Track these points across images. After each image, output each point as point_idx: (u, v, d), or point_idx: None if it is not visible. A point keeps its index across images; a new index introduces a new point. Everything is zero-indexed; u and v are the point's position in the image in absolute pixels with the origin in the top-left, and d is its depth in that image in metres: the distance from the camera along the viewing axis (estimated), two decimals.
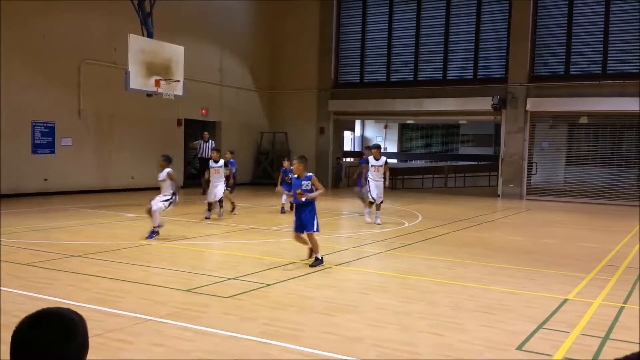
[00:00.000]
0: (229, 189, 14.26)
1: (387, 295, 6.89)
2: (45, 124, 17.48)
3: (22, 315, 1.68)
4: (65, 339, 1.62)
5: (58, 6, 17.27)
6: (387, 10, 24.33)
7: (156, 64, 14.42)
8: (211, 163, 13.44)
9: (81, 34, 17.90)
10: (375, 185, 13.06)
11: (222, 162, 13.42)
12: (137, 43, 14.08)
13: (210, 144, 19.69)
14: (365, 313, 6.10)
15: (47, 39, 17.06)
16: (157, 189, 12.94)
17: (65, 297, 6.29)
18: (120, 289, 6.81)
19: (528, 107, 21.32)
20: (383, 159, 13.31)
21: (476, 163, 30.28)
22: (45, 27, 16.99)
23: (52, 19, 17.17)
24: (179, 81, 15.08)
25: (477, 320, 5.97)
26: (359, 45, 24.93)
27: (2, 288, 6.59)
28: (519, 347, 5.09)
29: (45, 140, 17.50)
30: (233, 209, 14.41)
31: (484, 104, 21.56)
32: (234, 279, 7.44)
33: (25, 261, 8.11)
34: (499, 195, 21.80)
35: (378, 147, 13.70)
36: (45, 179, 17.53)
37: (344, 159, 28.27)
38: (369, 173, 13.18)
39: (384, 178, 13.19)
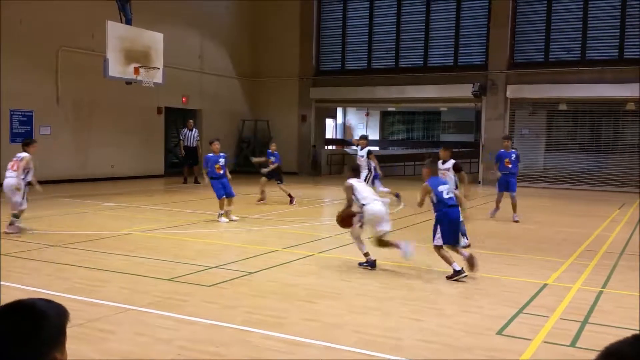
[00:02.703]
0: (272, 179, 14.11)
1: (369, 282, 6.94)
2: (23, 112, 17.19)
3: None
4: (30, 331, 1.58)
5: None
6: None
7: (135, 51, 14.23)
8: (213, 157, 11.61)
9: (59, 20, 17.57)
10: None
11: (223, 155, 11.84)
12: (115, 30, 13.88)
13: (195, 132, 19.55)
14: (346, 300, 6.14)
15: (25, 25, 16.72)
16: (137, 178, 12.92)
17: (44, 287, 6.24)
18: (100, 279, 6.77)
19: (508, 93, 21.48)
20: (366, 149, 13.59)
21: (457, 150, 30.48)
22: (22, 13, 16.64)
23: (30, 5, 16.81)
24: (158, 69, 14.91)
25: (457, 305, 6.05)
26: (340, 32, 24.85)
27: None
28: (499, 332, 5.17)
29: (23, 129, 17.22)
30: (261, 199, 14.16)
31: (465, 90, 21.67)
32: (216, 267, 7.44)
33: (3, 251, 8.00)
34: (479, 182, 21.98)
35: (362, 137, 14.53)
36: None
37: (326, 147, 28.24)
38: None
39: (369, 169, 13.36)
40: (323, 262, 8.10)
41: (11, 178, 9.47)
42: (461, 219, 7.48)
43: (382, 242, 7.48)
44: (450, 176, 9.44)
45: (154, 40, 14.95)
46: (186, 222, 11.28)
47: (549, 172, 21.81)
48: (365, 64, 24.47)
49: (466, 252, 7.27)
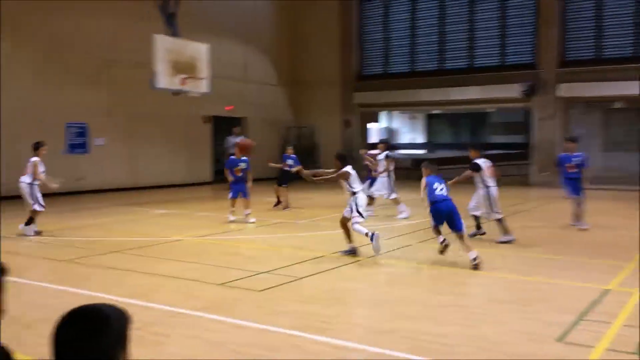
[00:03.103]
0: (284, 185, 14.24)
1: (416, 287, 6.86)
2: (78, 125, 17.83)
3: (63, 310, 1.73)
4: (96, 335, 1.66)
5: (87, 10, 17.54)
6: None
7: (182, 63, 14.55)
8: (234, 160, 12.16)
9: (109, 35, 18.17)
10: (378, 180, 13.27)
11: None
12: (162, 43, 14.22)
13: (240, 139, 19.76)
14: (396, 305, 6.08)
15: (77, 42, 17.36)
16: (187, 185, 13.27)
17: (102, 291, 6.43)
18: (155, 283, 6.93)
19: (559, 93, 20.90)
20: (384, 153, 13.51)
21: (506, 152, 29.81)
22: (75, 30, 17.28)
23: (82, 22, 17.46)
24: (204, 79, 15.19)
25: (513, 311, 5.88)
26: (382, 36, 24.74)
27: (42, 284, 6.76)
28: (559, 339, 4.98)
29: (79, 141, 17.87)
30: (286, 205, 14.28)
31: (513, 91, 21.21)
32: (265, 272, 7.50)
33: (64, 258, 8.30)
34: (531, 184, 21.45)
35: (381, 141, 14.09)
36: (81, 178, 17.88)
37: (369, 152, 28.09)
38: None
39: (388, 172, 13.37)
40: (371, 267, 8.05)
41: (22, 182, 10.25)
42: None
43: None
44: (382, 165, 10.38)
45: (200, 51, 15.25)
46: (235, 229, 11.42)
47: (605, 172, 21.06)
48: (409, 67, 24.28)
49: (472, 251, 7.81)
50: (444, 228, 8.12)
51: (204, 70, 15.22)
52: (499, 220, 9.86)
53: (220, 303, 6.08)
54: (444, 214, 8.07)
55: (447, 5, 23.33)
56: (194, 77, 14.87)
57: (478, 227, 10.28)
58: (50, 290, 6.58)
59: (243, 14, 23.16)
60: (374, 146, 29.95)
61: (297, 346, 4.84)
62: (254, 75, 23.89)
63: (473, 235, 9.97)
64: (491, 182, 10.05)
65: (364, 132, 26.43)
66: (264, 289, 6.63)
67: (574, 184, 11.11)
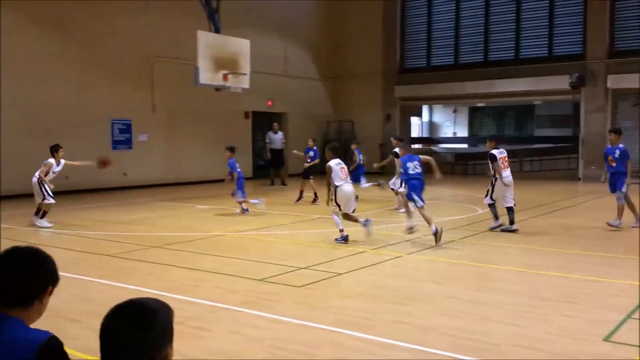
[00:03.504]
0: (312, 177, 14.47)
1: (461, 284, 6.72)
2: (122, 122, 18.24)
3: (107, 304, 1.76)
4: (144, 329, 1.70)
5: (131, 7, 17.89)
6: None
7: (223, 59, 14.67)
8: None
9: (153, 32, 18.48)
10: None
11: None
12: (205, 39, 14.37)
13: (280, 135, 19.88)
14: (437, 302, 5.97)
15: (122, 40, 17.73)
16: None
17: (145, 285, 6.53)
18: (196, 278, 7.01)
19: (609, 84, 20.19)
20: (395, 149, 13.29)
21: (554, 145, 29.01)
22: (119, 27, 17.66)
23: (126, 19, 17.81)
24: (245, 74, 15.28)
25: (558, 309, 5.71)
26: (425, 28, 24.38)
27: (87, 278, 6.93)
28: (606, 338, 4.82)
29: (123, 137, 18.27)
30: (315, 199, 14.41)
31: (561, 82, 20.59)
32: (304, 268, 7.49)
33: (108, 252, 8.49)
34: (579, 179, 20.83)
35: (396, 138, 13.74)
36: (125, 174, 18.29)
37: (412, 146, 27.79)
38: None
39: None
40: (412, 263, 7.95)
41: (34, 178, 10.87)
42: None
43: (347, 216, 9.33)
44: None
45: (241, 46, 15.34)
46: (274, 224, 11.47)
47: None
48: (452, 59, 23.86)
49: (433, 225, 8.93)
50: (447, 224, 7.94)
51: (245, 65, 15.32)
52: (509, 209, 10.17)
53: (260, 298, 6.10)
54: (416, 187, 9.22)
55: None
56: (236, 73, 14.97)
57: (511, 221, 10.28)
58: (94, 284, 6.73)
59: (284, 8, 23.20)
60: (415, 141, 29.71)
61: (337, 342, 4.81)
62: (294, 70, 23.92)
63: (510, 226, 10.15)
64: (505, 173, 10.34)
65: (405, 126, 26.15)
66: (304, 285, 6.62)
67: (616, 179, 10.48)
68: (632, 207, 10.54)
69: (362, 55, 25.12)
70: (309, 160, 15.03)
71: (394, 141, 13.55)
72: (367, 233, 9.19)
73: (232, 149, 12.78)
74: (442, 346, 4.65)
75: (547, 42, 21.83)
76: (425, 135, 33.57)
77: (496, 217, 10.32)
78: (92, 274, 7.16)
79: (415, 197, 9.14)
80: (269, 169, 20.46)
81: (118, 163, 18.05)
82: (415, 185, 9.23)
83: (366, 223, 9.16)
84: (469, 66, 23.22)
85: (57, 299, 2.08)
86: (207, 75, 14.25)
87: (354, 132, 24.85)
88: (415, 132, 31.14)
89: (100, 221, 11.68)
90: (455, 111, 35.01)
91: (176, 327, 1.81)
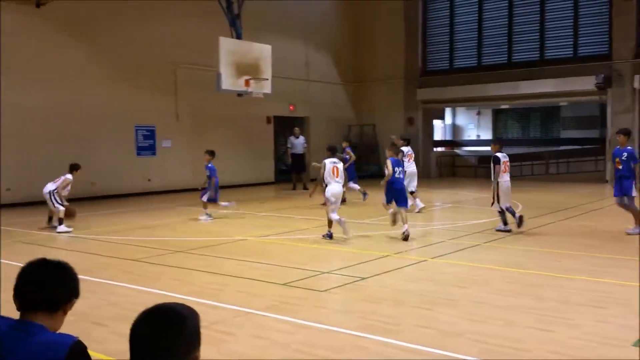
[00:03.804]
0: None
1: (487, 289, 6.62)
2: (147, 128, 18.44)
3: (133, 308, 1.76)
4: (173, 334, 1.72)
5: (154, 15, 18.11)
6: None
7: (245, 64, 14.73)
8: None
9: (175, 39, 18.65)
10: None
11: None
12: (227, 45, 14.44)
13: (301, 139, 19.89)
14: (464, 307, 5.88)
15: (146, 47, 17.95)
16: (250, 185, 13.47)
17: (170, 290, 6.56)
18: (220, 282, 7.02)
19: (635, 84, 19.78)
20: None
21: (580, 147, 28.55)
22: (143, 35, 17.88)
23: (150, 27, 18.03)
24: (267, 79, 15.33)
25: (588, 314, 5.59)
26: (447, 30, 24.20)
27: (113, 282, 6.99)
28: (636, 344, 4.69)
29: (147, 143, 18.47)
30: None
31: (587, 83, 20.26)
32: (327, 272, 7.45)
33: (133, 257, 8.56)
34: (607, 181, 20.44)
35: (401, 137, 14.25)
36: (149, 180, 18.48)
37: (435, 149, 27.60)
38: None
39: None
40: (437, 267, 7.86)
41: (45, 190, 11.18)
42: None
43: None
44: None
45: (263, 52, 15.39)
46: (297, 228, 11.45)
47: None
48: (475, 61, 23.64)
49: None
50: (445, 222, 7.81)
51: (267, 71, 15.36)
52: (506, 211, 10.35)
53: (284, 303, 6.08)
54: (396, 192, 9.83)
55: None
56: (258, 78, 15.03)
57: (515, 218, 10.34)
58: (120, 288, 6.79)
59: (305, 13, 23.25)
60: (438, 144, 29.48)
61: (362, 347, 4.76)
62: (316, 74, 23.94)
63: (519, 224, 10.24)
64: (506, 176, 10.53)
65: (428, 129, 25.96)
66: (327, 289, 6.58)
67: (623, 182, 10.02)
68: (634, 212, 10.15)
69: (383, 58, 25.03)
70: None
71: (400, 141, 13.58)
72: (345, 233, 9.72)
73: (212, 153, 12.84)
74: (468, 352, 4.58)
75: (572, 43, 21.50)
76: (448, 138, 33.31)
77: (505, 222, 10.41)
78: (118, 278, 7.22)
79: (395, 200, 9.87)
80: (291, 173, 20.48)
81: (142, 169, 18.30)
82: (398, 189, 9.90)
83: (340, 222, 9.66)
84: (493, 68, 22.98)
85: (84, 303, 2.10)
86: (229, 81, 14.31)
87: (376, 135, 24.77)
88: (438, 135, 30.92)
89: (125, 226, 11.80)
90: (478, 113, 34.66)
91: (201, 332, 1.81)
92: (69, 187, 11.36)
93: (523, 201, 15.35)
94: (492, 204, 10.48)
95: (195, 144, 19.77)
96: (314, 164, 16.20)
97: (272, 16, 21.37)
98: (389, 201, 9.90)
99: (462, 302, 6.07)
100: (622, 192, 10.09)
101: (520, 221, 10.22)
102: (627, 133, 10.39)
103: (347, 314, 5.64)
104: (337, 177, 9.86)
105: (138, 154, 18.20)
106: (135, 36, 17.70)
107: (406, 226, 9.55)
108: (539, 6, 22.03)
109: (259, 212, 13.78)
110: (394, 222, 9.85)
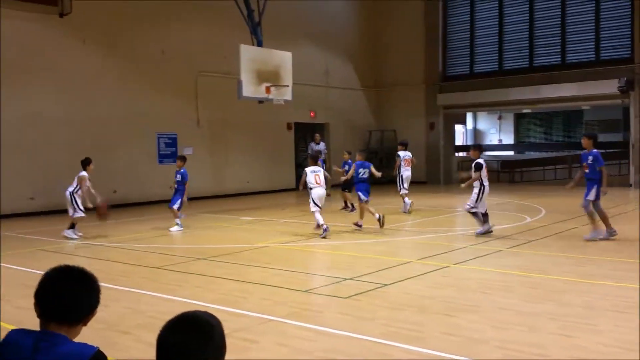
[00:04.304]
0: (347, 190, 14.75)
1: (511, 295, 6.56)
2: (168, 135, 18.64)
3: (157, 316, 1.79)
4: (203, 342, 1.73)
5: (175, 23, 18.35)
6: None
7: (266, 71, 14.84)
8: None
9: (197, 47, 18.87)
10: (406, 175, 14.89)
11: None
12: (248, 52, 14.57)
13: (322, 145, 19.93)
14: (488, 313, 5.84)
15: (167, 55, 18.18)
16: (270, 192, 13.58)
17: (194, 298, 6.62)
18: (243, 290, 7.06)
19: None
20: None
21: (603, 151, 28.19)
22: (164, 44, 18.11)
23: (171, 35, 18.27)
24: (287, 86, 15.42)
25: (612, 320, 5.52)
26: (468, 35, 24.09)
27: (137, 290, 7.08)
28: None
29: (169, 150, 18.67)
30: (352, 208, 14.90)
31: (609, 86, 20.00)
32: (350, 279, 7.45)
33: (156, 265, 8.65)
34: (631, 185, 20.12)
35: (400, 143, 16.14)
36: (171, 187, 18.62)
37: (456, 154, 27.42)
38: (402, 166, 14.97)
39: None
40: (460, 273, 7.82)
41: (66, 191, 11.25)
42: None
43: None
44: (471, 173, 10.82)
45: (283, 59, 15.49)
46: (319, 234, 11.46)
47: None
48: (496, 66, 23.50)
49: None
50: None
51: (287, 78, 15.45)
52: (485, 214, 10.60)
53: (307, 310, 6.10)
54: (362, 189, 11.61)
55: (536, 0, 22.38)
56: (278, 85, 15.12)
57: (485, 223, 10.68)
58: (144, 296, 6.86)
59: (324, 20, 23.34)
60: (460, 149, 29.29)
61: (386, 355, 4.76)
62: (336, 80, 24.00)
63: (485, 233, 10.55)
64: (486, 182, 10.73)
65: (449, 134, 25.82)
66: (350, 296, 6.58)
67: (588, 185, 9.94)
68: (604, 218, 9.94)
69: (404, 63, 24.98)
70: (345, 173, 15.01)
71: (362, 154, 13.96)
72: (321, 237, 10.80)
73: (184, 159, 12.91)
74: (493, 358, 4.54)
75: (594, 46, 21.26)
76: (469, 142, 33.09)
77: (483, 222, 10.63)
78: (141, 286, 7.30)
79: (361, 194, 11.54)
80: None
81: (164, 176, 18.46)
82: (362, 187, 11.68)
83: (324, 229, 10.83)
84: (514, 72, 22.82)
85: (109, 312, 2.14)
86: (250, 89, 14.43)
87: (397, 141, 24.69)
88: (459, 140, 30.74)
89: (147, 234, 11.94)
90: (500, 118, 34.42)
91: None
92: (88, 183, 11.30)
93: (546, 206, 15.18)
94: (472, 208, 10.66)
95: (217, 151, 19.95)
96: (334, 168, 16.38)
97: (293, 24, 21.50)
98: (361, 196, 11.57)
99: (486, 308, 6.03)
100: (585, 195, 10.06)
101: (483, 230, 10.58)
102: (591, 136, 10.28)
103: (370, 321, 5.64)
104: (317, 183, 11.12)
105: (160, 161, 18.40)
106: (157, 45, 17.94)
107: (377, 214, 11.35)
108: (560, 10, 21.83)
109: (280, 219, 13.82)
110: (367, 215, 11.54)
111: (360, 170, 11.88)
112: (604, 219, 9.92)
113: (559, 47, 21.97)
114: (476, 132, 34.83)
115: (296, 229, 12.27)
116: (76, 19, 15.86)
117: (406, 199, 14.57)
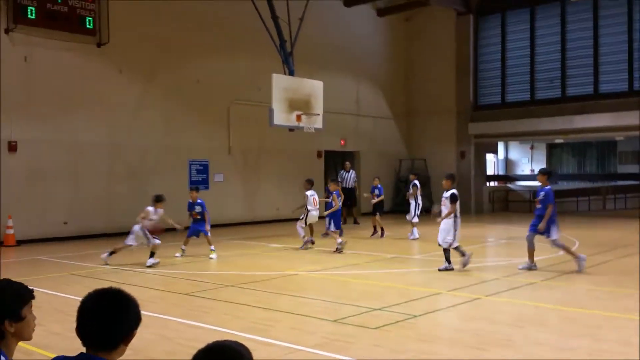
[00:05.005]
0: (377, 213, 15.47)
1: (545, 329, 6.38)
2: (200, 162, 18.90)
3: (185, 343, 1.80)
4: None
5: (209, 53, 18.75)
6: (529, 24, 23.23)
7: (297, 100, 15.00)
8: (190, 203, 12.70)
9: (230, 77, 19.21)
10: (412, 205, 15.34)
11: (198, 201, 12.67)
12: (280, 81, 14.78)
13: (352, 173, 19.94)
14: (522, 348, 5.69)
15: (201, 84, 18.55)
16: (298, 219, 13.62)
17: (221, 325, 6.61)
18: (271, 318, 7.03)
19: None
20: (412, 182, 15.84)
21: (638, 182, 27.53)
22: (199, 73, 18.49)
23: (205, 65, 18.65)
24: (318, 114, 15.54)
25: None
26: (499, 64, 24.01)
27: (166, 317, 7.10)
28: None
29: (200, 177, 18.90)
30: (382, 233, 15.51)
31: None
32: (379, 309, 7.36)
33: (185, 291, 8.68)
34: None
35: (412, 173, 17.18)
36: (191, 217, 18.79)
37: (488, 183, 27.11)
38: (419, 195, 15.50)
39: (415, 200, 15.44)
40: (492, 306, 7.65)
41: (137, 226, 11.32)
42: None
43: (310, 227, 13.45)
44: (447, 205, 10.05)
45: (314, 88, 15.66)
46: (348, 263, 11.40)
47: None
48: (528, 95, 23.32)
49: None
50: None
51: (318, 106, 15.59)
52: (457, 248, 10.03)
53: (336, 340, 6.03)
54: (337, 218, 13.32)
55: (568, 30, 22.26)
56: (309, 114, 15.26)
57: (462, 254, 10.15)
58: (173, 323, 6.87)
59: (356, 49, 23.54)
60: (491, 178, 28.96)
61: None
62: (367, 109, 24.08)
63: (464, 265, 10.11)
64: (459, 213, 10.16)
65: (481, 164, 25.59)
66: (379, 326, 6.49)
67: (536, 221, 10.15)
68: (531, 251, 10.09)
69: (435, 92, 24.99)
70: (375, 198, 15.72)
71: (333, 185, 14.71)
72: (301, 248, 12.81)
73: (197, 189, 12.99)
74: None
75: (627, 77, 20.97)
76: (501, 172, 32.71)
77: (449, 260, 10.08)
78: (170, 312, 7.32)
79: (332, 223, 13.02)
80: (342, 207, 20.46)
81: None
82: (337, 215, 13.33)
83: (306, 242, 12.97)
84: (546, 102, 22.60)
85: (137, 338, 2.13)
86: (281, 116, 14.59)
87: (427, 170, 24.59)
88: (490, 170, 30.42)
89: (177, 260, 12.02)
90: (532, 148, 34.00)
91: None
92: (152, 217, 11.33)
93: (581, 238, 14.83)
94: (452, 243, 10.00)
95: (247, 178, 20.12)
96: (365, 194, 16.52)
97: (324, 53, 21.76)
98: (339, 227, 13.21)
99: (520, 342, 5.88)
100: (535, 229, 10.09)
101: (467, 260, 10.08)
102: (545, 173, 10.45)
103: (401, 353, 5.54)
104: (315, 205, 12.93)
105: (191, 188, 18.57)
106: (192, 74, 18.31)
107: (339, 239, 12.59)
108: (592, 40, 21.64)
109: (311, 247, 13.80)
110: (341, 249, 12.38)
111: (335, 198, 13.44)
112: (531, 252, 10.10)
113: (592, 77, 21.71)
114: (508, 162, 34.45)
115: (325, 257, 12.22)
116: (113, 48, 16.32)
117: (415, 228, 15.06)
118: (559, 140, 30.27)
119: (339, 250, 12.31)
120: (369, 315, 7.08)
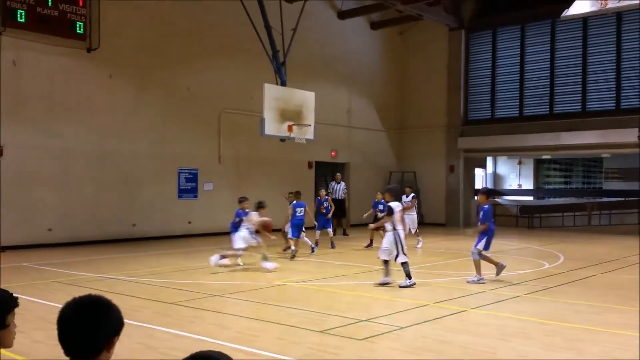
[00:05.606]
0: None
1: (529, 342, 6.44)
2: (189, 171, 18.87)
3: (169, 352, 1.83)
4: None
5: (201, 61, 18.79)
6: (519, 42, 23.55)
7: (289, 110, 15.06)
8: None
9: (221, 86, 19.26)
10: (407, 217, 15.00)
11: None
12: (271, 91, 14.83)
13: (342, 185, 20.01)
14: None
15: (192, 92, 18.56)
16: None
17: (207, 335, 6.60)
18: (257, 328, 7.03)
19: None
20: (411, 195, 16.69)
21: (623, 199, 27.83)
22: (190, 81, 18.51)
23: (196, 73, 18.68)
24: (310, 125, 15.60)
25: None
26: (489, 80, 24.30)
27: (150, 326, 7.07)
28: None
29: (189, 186, 18.86)
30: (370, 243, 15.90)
31: (629, 135, 19.91)
32: (366, 320, 7.38)
33: (171, 300, 8.65)
34: None
35: (407, 186, 17.55)
36: (189, 222, 18.78)
37: (475, 197, 27.26)
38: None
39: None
40: (478, 318, 7.70)
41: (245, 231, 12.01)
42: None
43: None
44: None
45: (306, 98, 15.73)
46: (336, 274, 11.42)
47: None
48: (517, 111, 23.60)
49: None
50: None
51: (310, 117, 15.66)
52: (404, 264, 9.81)
53: (322, 351, 6.04)
54: (298, 228, 13.72)
55: (557, 48, 22.60)
56: (301, 124, 15.32)
57: (387, 273, 10.03)
58: (158, 332, 6.83)
59: (348, 61, 23.70)
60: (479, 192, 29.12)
61: None
62: (358, 121, 24.22)
63: (384, 284, 9.91)
64: (399, 226, 9.95)
65: (469, 178, 25.78)
66: (366, 338, 6.51)
67: (479, 236, 10.70)
68: (478, 265, 10.49)
69: (426, 107, 25.22)
70: (379, 214, 15.71)
71: (292, 196, 15.23)
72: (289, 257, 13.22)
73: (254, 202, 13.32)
74: None
75: (614, 95, 21.29)
76: (489, 186, 32.91)
77: (387, 273, 9.99)
78: (155, 321, 7.28)
79: (292, 231, 13.56)
80: (332, 218, 20.50)
81: (183, 211, 18.64)
82: (298, 225, 13.73)
83: (293, 253, 13.40)
84: (534, 118, 22.88)
85: (120, 347, 2.13)
86: (272, 127, 14.63)
87: (417, 183, 24.72)
88: (479, 184, 30.61)
89: (164, 268, 11.98)
90: (520, 163, 34.28)
91: None
92: (254, 221, 12.01)
93: (566, 252, 14.97)
94: (397, 256, 9.77)
95: (237, 188, 20.08)
96: (365, 215, 16.73)
97: (317, 64, 21.89)
98: (294, 234, 13.68)
99: (504, 355, 5.93)
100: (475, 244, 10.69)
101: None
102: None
103: None
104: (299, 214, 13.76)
105: (179, 196, 18.56)
106: (182, 81, 18.33)
107: (293, 247, 13.43)
108: (581, 59, 21.97)
109: (298, 257, 13.80)
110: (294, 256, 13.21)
111: (298, 209, 13.81)
112: (489, 260, 10.56)
113: (580, 94, 22.02)
114: (496, 176, 34.69)
115: (313, 268, 12.23)
116: (103, 54, 16.27)
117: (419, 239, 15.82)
118: (546, 156, 30.57)
119: (291, 256, 13.28)
120: (355, 326, 7.11)
